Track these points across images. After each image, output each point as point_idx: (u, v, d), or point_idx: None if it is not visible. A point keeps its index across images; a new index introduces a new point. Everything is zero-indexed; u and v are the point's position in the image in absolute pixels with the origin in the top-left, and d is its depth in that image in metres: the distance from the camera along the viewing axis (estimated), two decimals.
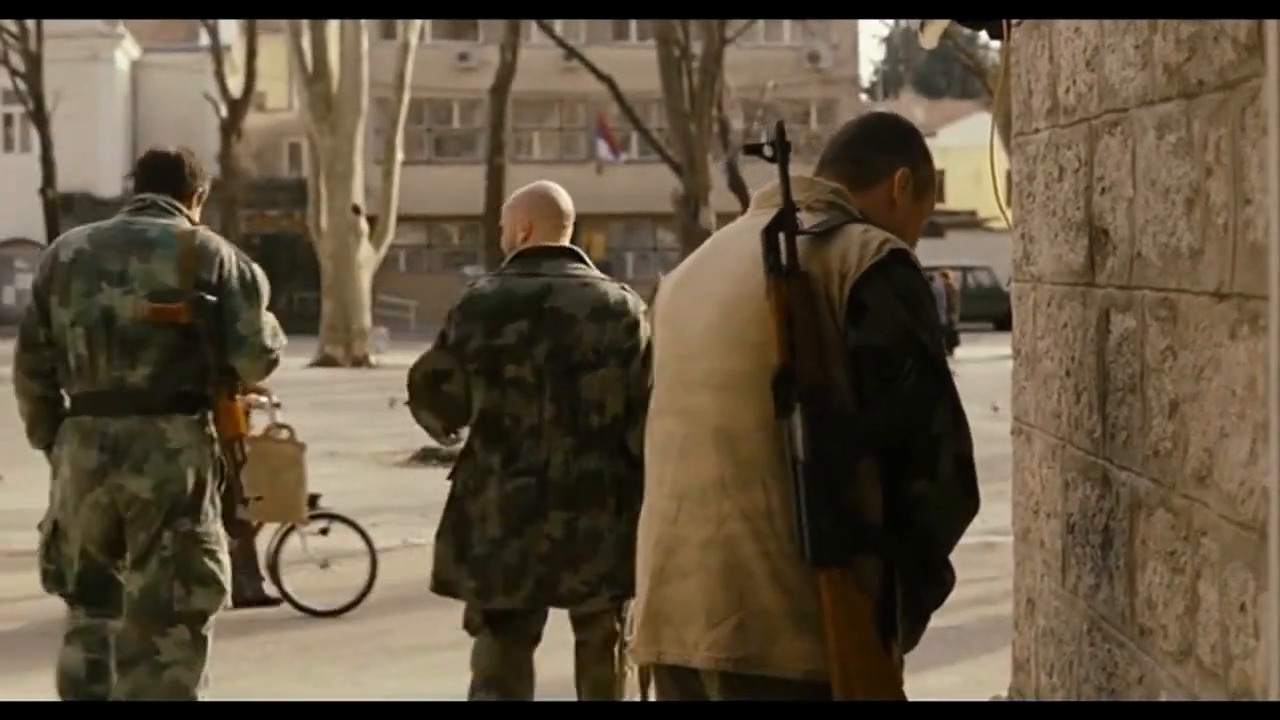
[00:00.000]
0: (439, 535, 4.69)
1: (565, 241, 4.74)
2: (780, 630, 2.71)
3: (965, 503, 2.77)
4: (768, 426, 2.73)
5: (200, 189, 4.96)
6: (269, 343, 4.86)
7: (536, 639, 4.77)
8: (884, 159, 2.99)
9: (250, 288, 4.83)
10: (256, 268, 4.92)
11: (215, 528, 4.83)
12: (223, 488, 4.88)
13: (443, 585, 4.68)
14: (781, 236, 2.74)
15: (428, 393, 4.65)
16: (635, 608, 2.96)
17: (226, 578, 4.87)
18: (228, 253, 4.82)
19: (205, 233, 4.85)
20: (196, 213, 4.95)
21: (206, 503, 4.78)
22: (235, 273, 4.80)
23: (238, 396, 4.95)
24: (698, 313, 2.89)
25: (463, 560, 4.60)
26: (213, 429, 4.81)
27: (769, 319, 2.73)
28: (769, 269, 2.74)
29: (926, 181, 3.03)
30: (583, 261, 4.74)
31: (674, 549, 2.83)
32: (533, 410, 4.57)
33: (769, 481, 2.73)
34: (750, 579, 2.73)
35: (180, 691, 4.76)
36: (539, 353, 4.57)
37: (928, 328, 2.77)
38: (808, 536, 2.67)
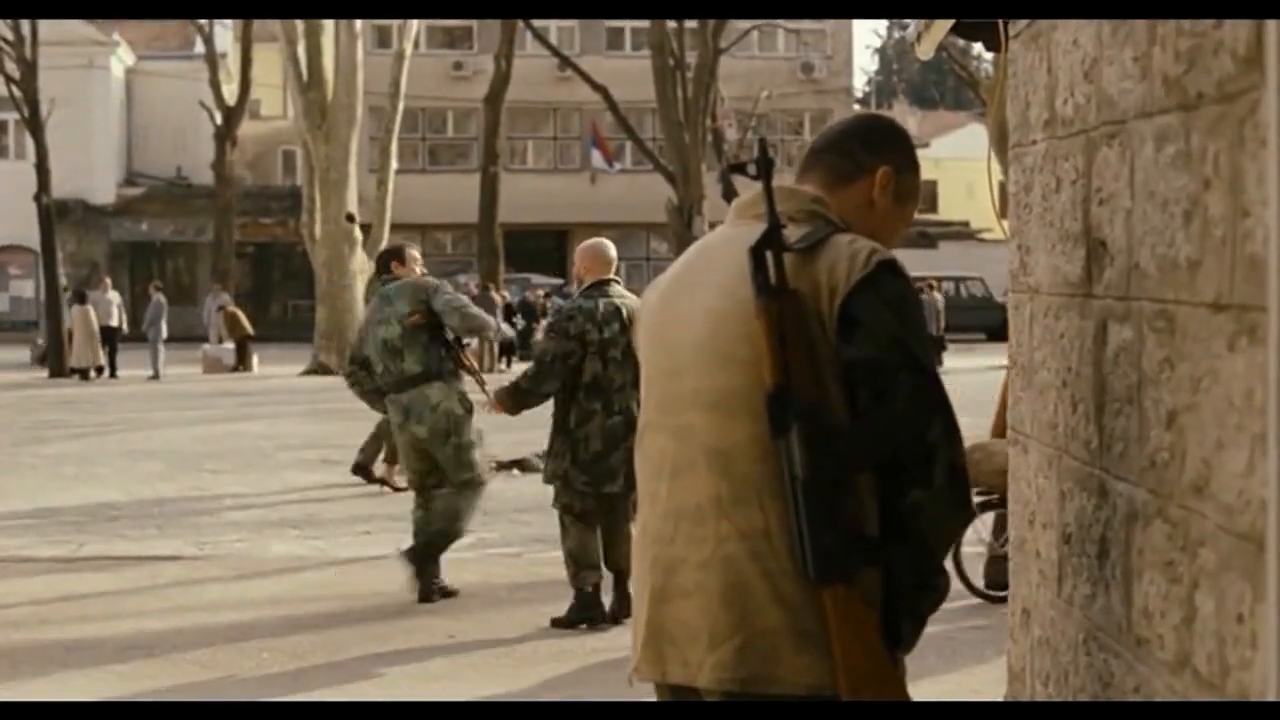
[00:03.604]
0: (554, 454, 7.90)
1: (610, 275, 8.08)
2: (783, 649, 2.70)
3: (959, 511, 2.77)
4: (761, 444, 2.72)
5: (408, 258, 9.05)
6: (465, 310, 8.67)
7: (627, 518, 7.58)
8: (870, 154, 2.98)
9: (445, 297, 8.67)
10: (444, 284, 8.99)
11: (469, 434, 8.67)
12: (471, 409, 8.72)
13: (556, 477, 7.89)
14: (769, 255, 2.72)
15: (561, 369, 7.79)
16: (635, 627, 2.96)
17: (479, 457, 8.76)
18: (432, 284, 8.82)
19: (417, 279, 8.89)
20: (409, 267, 9.01)
21: (462, 424, 8.60)
22: (438, 294, 8.68)
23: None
24: (685, 327, 2.87)
25: (575, 464, 7.80)
26: (459, 380, 8.72)
27: (759, 337, 2.71)
28: (759, 289, 2.72)
29: (909, 189, 3.02)
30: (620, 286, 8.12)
31: (673, 569, 2.82)
32: (622, 375, 7.71)
33: (765, 500, 2.72)
34: (751, 599, 2.72)
35: (464, 508, 8.66)
36: (623, 341, 7.68)
37: (919, 337, 2.76)
38: (811, 555, 2.66)
